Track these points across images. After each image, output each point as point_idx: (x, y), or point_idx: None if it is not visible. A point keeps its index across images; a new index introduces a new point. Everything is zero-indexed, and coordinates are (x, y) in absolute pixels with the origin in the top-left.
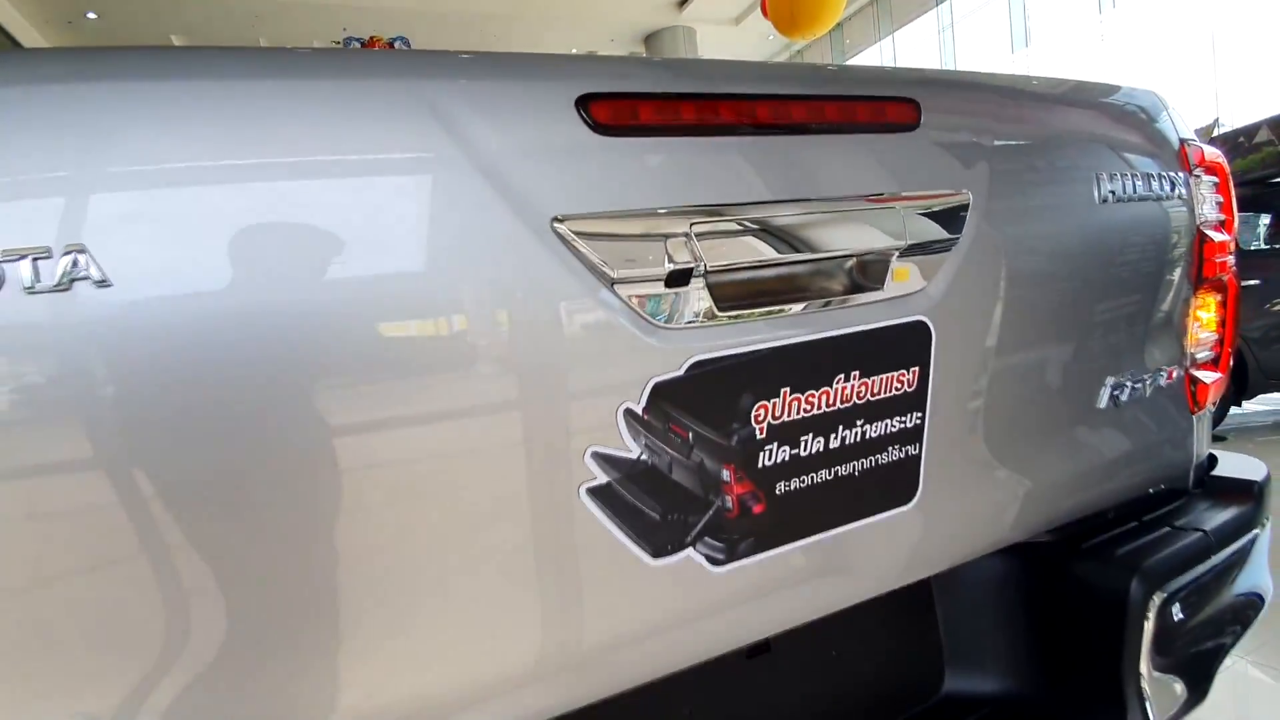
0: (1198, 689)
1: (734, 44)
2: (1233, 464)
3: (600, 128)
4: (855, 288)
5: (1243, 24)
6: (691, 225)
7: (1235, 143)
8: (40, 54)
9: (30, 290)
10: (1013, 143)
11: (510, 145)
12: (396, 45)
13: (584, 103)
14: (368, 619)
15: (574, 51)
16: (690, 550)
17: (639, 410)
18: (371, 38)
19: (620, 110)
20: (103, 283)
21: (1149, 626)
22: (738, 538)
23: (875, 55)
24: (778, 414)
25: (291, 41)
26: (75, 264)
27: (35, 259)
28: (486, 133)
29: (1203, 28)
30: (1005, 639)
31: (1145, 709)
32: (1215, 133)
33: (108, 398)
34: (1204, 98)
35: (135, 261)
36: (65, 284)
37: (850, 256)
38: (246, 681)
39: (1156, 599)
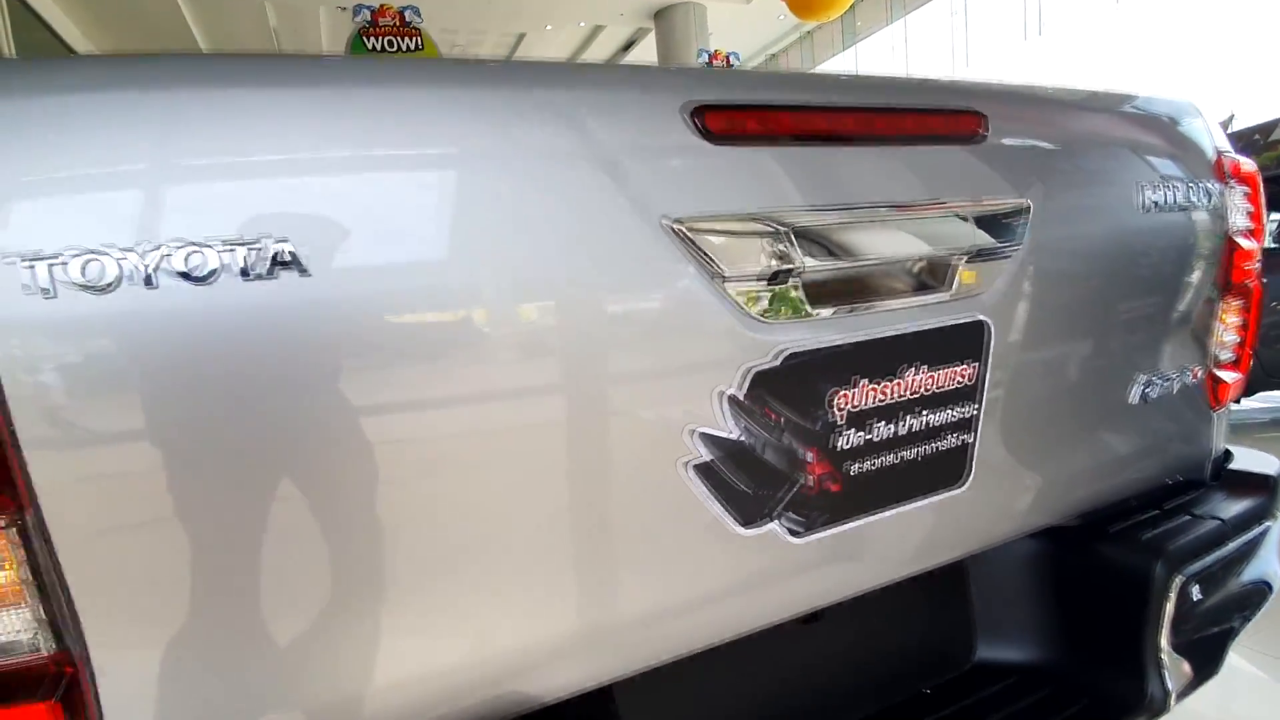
0: (1210, 665)
1: (744, 22)
2: (1247, 459)
3: (711, 136)
4: (925, 288)
5: (1258, 14)
6: (792, 228)
7: (1250, 139)
8: (255, 59)
9: (245, 274)
10: (1066, 152)
11: (630, 150)
12: (406, 14)
13: (697, 113)
14: (525, 567)
15: (581, 25)
16: (775, 522)
17: (738, 395)
18: (381, 5)
19: (728, 120)
20: (304, 271)
21: (1169, 605)
22: (815, 512)
23: (886, 38)
24: (854, 402)
25: (299, 9)
26: (280, 255)
27: (249, 249)
28: (611, 138)
29: (1217, 18)
30: (1033, 613)
31: (1163, 680)
32: (1230, 128)
33: (308, 374)
34: (1218, 88)
35: (331, 253)
36: (274, 273)
37: (923, 259)
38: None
39: (1177, 580)
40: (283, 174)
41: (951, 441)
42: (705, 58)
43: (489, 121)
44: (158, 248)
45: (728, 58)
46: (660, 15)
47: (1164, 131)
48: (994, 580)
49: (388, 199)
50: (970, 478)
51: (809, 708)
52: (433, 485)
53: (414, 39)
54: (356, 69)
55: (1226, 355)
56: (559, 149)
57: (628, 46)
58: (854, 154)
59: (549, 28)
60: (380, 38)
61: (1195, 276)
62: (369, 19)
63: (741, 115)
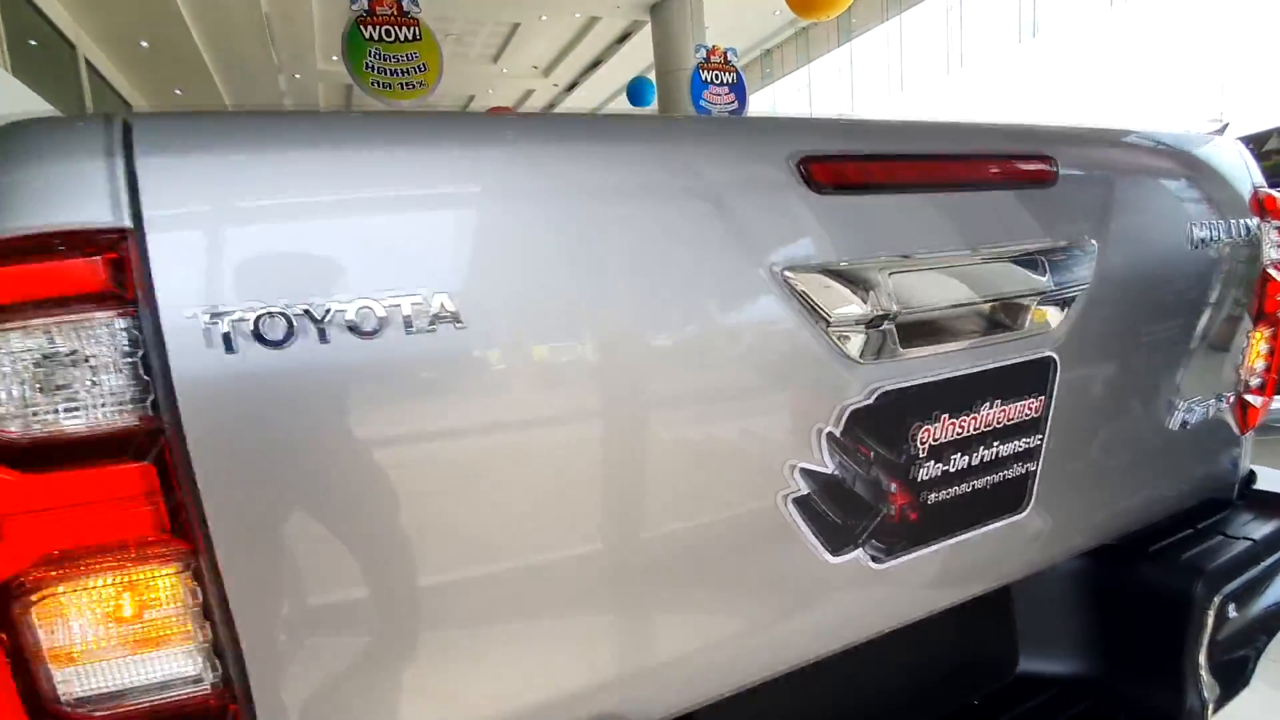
0: (1241, 677)
1: (740, 16)
2: (1270, 479)
3: (816, 185)
4: (1001, 327)
5: (1251, 19)
6: (888, 274)
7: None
8: (411, 119)
9: (407, 328)
10: (1125, 192)
11: (744, 200)
12: (404, 3)
13: (803, 164)
14: (635, 594)
15: (576, 16)
16: (860, 550)
17: (835, 432)
18: None
19: (831, 171)
20: (459, 323)
21: (1208, 622)
22: (894, 539)
23: (881, 35)
24: (934, 436)
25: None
26: (440, 308)
27: (403, 298)
28: (726, 189)
29: (1211, 22)
30: (1074, 628)
31: (1201, 693)
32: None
33: (463, 416)
34: (1210, 92)
35: (483, 305)
36: (435, 326)
37: (1001, 301)
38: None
39: (1216, 599)
40: (443, 230)
41: (1016, 470)
42: (703, 53)
43: (621, 175)
44: (330, 304)
45: (725, 54)
46: (656, 9)
47: (1210, 169)
48: (1036, 595)
49: (532, 252)
50: (1030, 504)
51: (843, 713)
52: (572, 514)
53: (412, 28)
54: (501, 127)
55: (1255, 381)
56: (681, 200)
57: (623, 39)
58: (941, 200)
59: (544, 18)
60: (378, 27)
61: (1233, 308)
62: (366, 8)
63: (842, 166)
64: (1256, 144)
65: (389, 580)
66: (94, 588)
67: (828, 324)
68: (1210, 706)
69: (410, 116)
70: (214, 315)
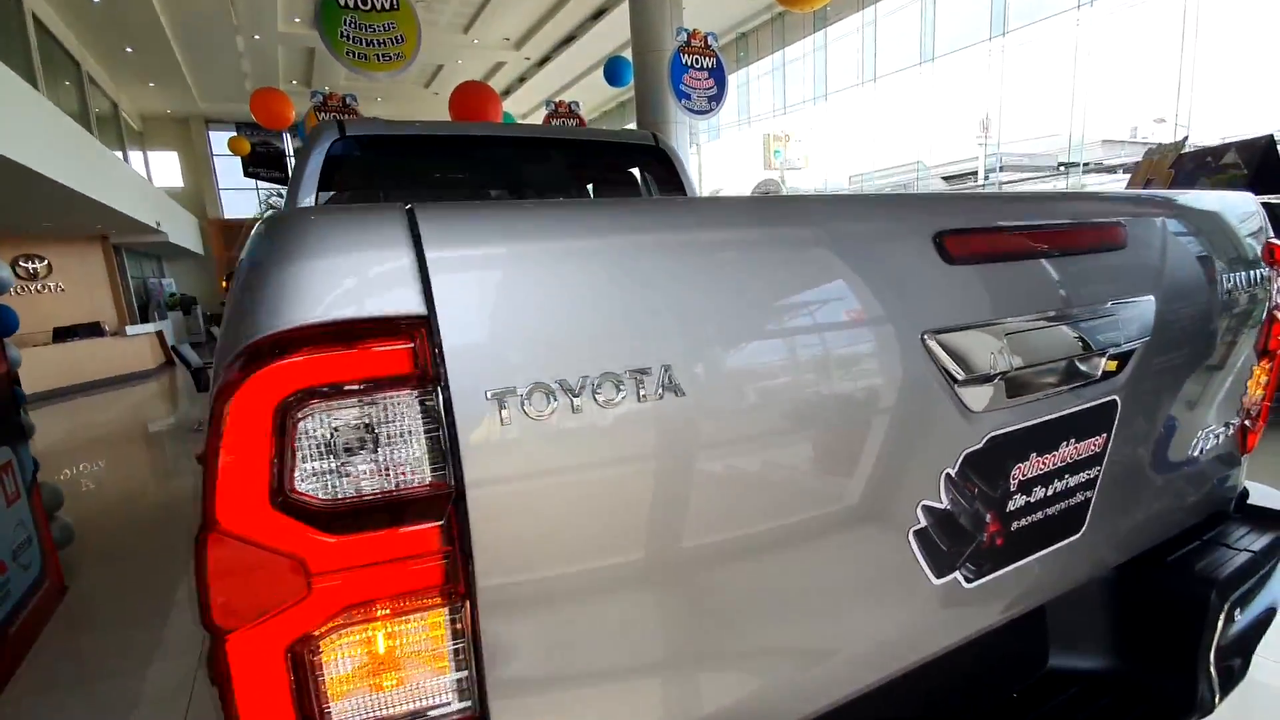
0: (1242, 670)
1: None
2: (1261, 495)
3: (950, 257)
4: (1081, 376)
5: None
6: (1005, 335)
7: (1203, 160)
8: (637, 209)
9: (639, 396)
10: (1175, 249)
11: (895, 272)
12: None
13: (939, 238)
14: (786, 614)
15: None
16: (957, 572)
17: (953, 473)
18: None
19: (961, 243)
20: (679, 392)
21: (1219, 624)
22: (984, 561)
23: (857, 21)
24: (1025, 473)
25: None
26: (665, 380)
27: (639, 375)
28: (882, 263)
29: (1175, 34)
30: (1099, 628)
31: (1211, 685)
32: (1184, 149)
33: (681, 465)
34: (1170, 99)
35: (698, 376)
36: (662, 395)
37: (1085, 354)
38: None
39: (1225, 605)
40: (669, 311)
41: (1079, 499)
42: (684, 36)
43: (802, 256)
44: (582, 379)
45: (706, 38)
46: None
47: (1237, 225)
48: (1065, 598)
49: (732, 327)
50: (1085, 526)
51: (910, 708)
52: (763, 543)
53: None
54: (716, 214)
55: (1255, 409)
56: (846, 274)
57: (598, 15)
58: (1043, 265)
59: None
60: None
61: (1246, 346)
62: None
63: (970, 239)
64: (1215, 156)
65: (611, 624)
66: (374, 632)
67: (956, 381)
68: (1217, 696)
69: (642, 207)
70: (492, 392)
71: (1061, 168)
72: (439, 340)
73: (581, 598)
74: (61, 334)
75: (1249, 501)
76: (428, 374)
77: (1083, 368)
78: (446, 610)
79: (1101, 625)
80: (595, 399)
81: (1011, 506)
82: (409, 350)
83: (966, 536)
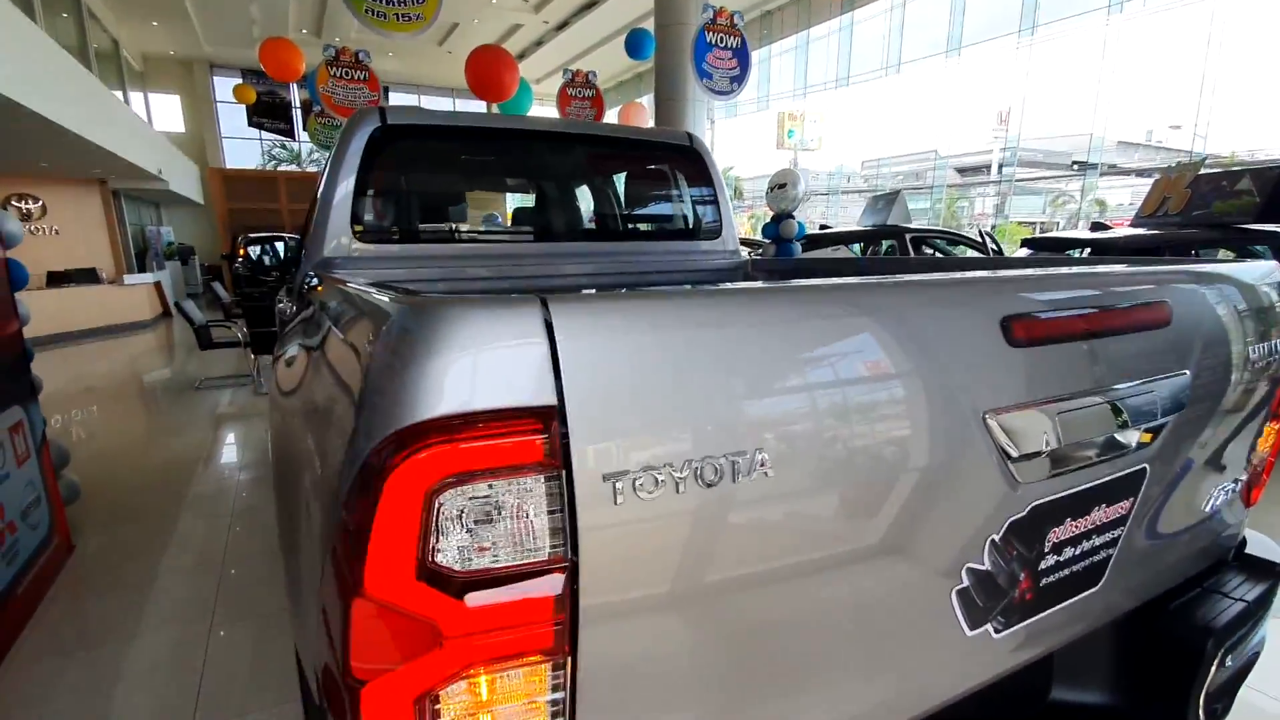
0: (1226, 711)
1: None
2: (1258, 544)
3: (1014, 340)
4: (1119, 449)
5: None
6: (1058, 414)
7: (1218, 184)
8: (734, 299)
9: (734, 477)
10: (1210, 324)
11: (965, 355)
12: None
13: (1006, 322)
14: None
15: None
16: (989, 624)
17: (997, 539)
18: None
19: (1026, 328)
20: (767, 473)
21: (1213, 671)
22: (1014, 614)
23: (886, 4)
24: (1059, 535)
25: None
26: (759, 462)
27: (736, 458)
28: (952, 347)
29: (1199, 41)
30: (1101, 666)
31: None
32: (1202, 170)
33: (767, 538)
34: (1189, 106)
35: (785, 456)
36: (752, 475)
37: (1126, 428)
38: None
39: (1220, 652)
40: (762, 396)
41: (1102, 555)
42: (710, 13)
43: (877, 339)
44: (686, 463)
45: (732, 16)
46: None
47: (1267, 295)
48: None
49: (811, 409)
50: (1104, 579)
51: None
52: (821, 608)
53: None
54: (791, 298)
55: (1261, 465)
56: (916, 357)
57: None
58: (1097, 346)
59: None
60: None
61: (1259, 408)
62: None
63: (1034, 323)
64: (1229, 180)
65: (695, 673)
66: (488, 685)
67: (1009, 458)
68: None
69: (741, 297)
70: (608, 474)
71: (1075, 166)
72: (567, 428)
73: (665, 653)
74: (56, 279)
75: (1246, 550)
76: (555, 459)
77: (1122, 440)
78: (550, 667)
79: (1104, 663)
80: (697, 480)
81: (1043, 565)
82: (541, 440)
83: (1001, 593)
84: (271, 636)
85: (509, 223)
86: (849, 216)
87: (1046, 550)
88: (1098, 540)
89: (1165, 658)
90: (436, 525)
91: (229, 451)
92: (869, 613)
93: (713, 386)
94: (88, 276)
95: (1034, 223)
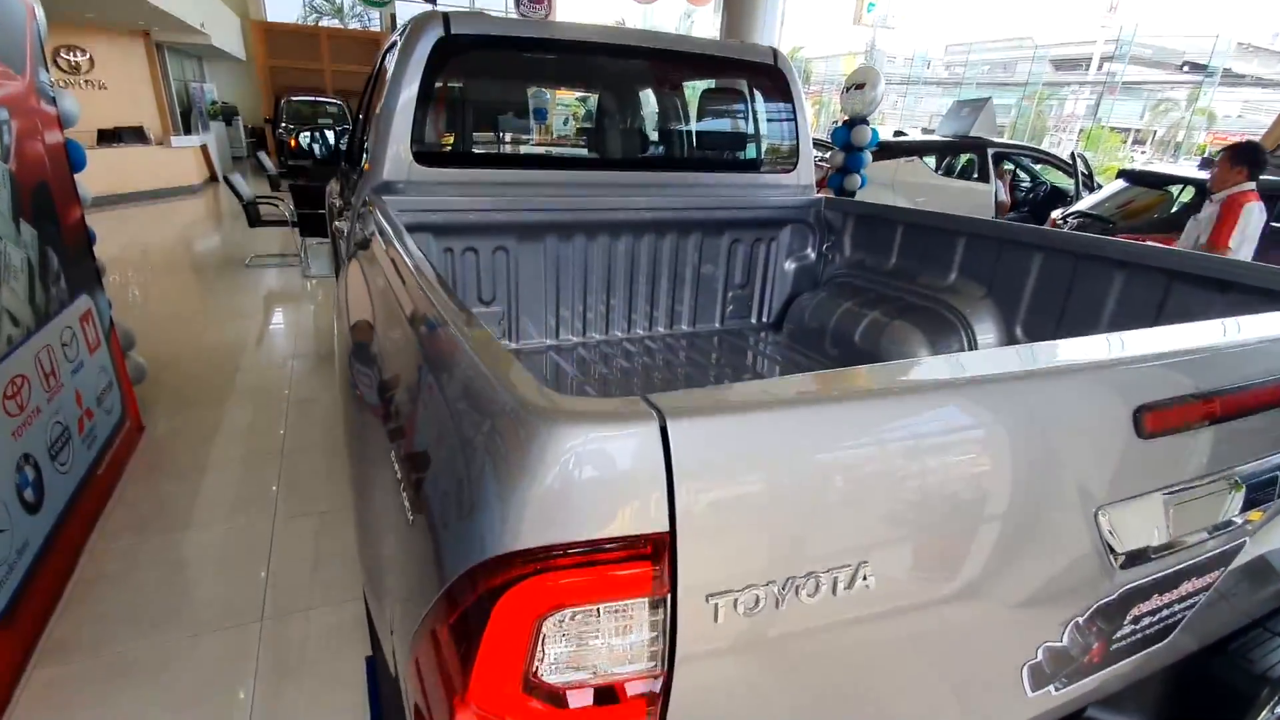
0: None
1: None
2: None
3: (1143, 432)
4: (1227, 529)
5: None
6: (1175, 504)
7: None
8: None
9: (834, 591)
10: None
11: (1084, 450)
12: None
13: (1139, 413)
14: None
15: None
16: (1051, 685)
17: (1080, 620)
18: None
19: (1161, 418)
20: (868, 586)
21: (1262, 715)
22: (1078, 674)
23: None
24: (1142, 609)
25: None
26: (860, 576)
27: (839, 572)
28: (1071, 438)
29: None
30: (1146, 695)
31: None
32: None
33: (866, 646)
34: None
35: (888, 568)
36: (853, 586)
37: (1239, 511)
38: None
39: (1274, 700)
40: (868, 510)
41: (1178, 618)
42: None
43: (984, 437)
44: (789, 580)
45: None
46: None
47: None
48: None
49: (913, 517)
50: (1173, 635)
51: None
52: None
53: None
54: (901, 406)
55: None
56: (1034, 457)
57: None
58: (1229, 428)
59: None
60: None
61: None
62: None
63: (1170, 413)
64: None
65: None
66: None
67: (1114, 553)
68: None
69: (852, 412)
70: (711, 594)
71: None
72: (676, 554)
73: None
74: (105, 137)
75: None
76: (663, 584)
77: (1230, 520)
78: None
79: (1151, 700)
80: (798, 595)
81: (1118, 634)
82: (652, 570)
83: (1071, 661)
84: (332, 534)
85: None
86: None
87: (1125, 622)
88: (1178, 607)
89: (1216, 697)
90: (542, 646)
91: (282, 337)
92: (936, 687)
93: (824, 501)
94: (136, 136)
95: (1129, 129)
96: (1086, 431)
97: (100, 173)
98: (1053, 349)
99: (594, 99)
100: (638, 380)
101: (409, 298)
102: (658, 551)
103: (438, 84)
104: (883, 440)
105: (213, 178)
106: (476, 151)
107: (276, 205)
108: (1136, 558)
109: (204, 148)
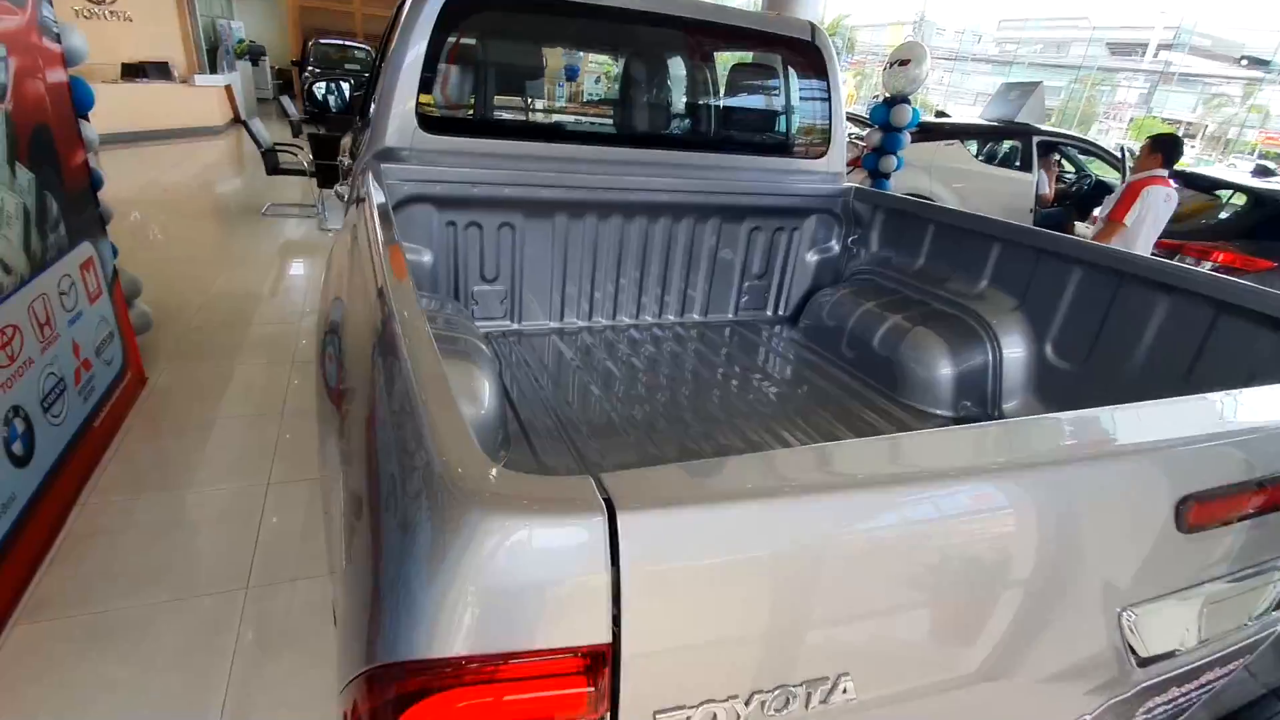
0: None
1: None
2: None
3: (1185, 526)
4: (1259, 619)
5: None
6: (1209, 603)
7: None
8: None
9: (807, 705)
10: None
11: (1112, 546)
12: None
13: (1183, 504)
14: None
15: None
16: None
17: (1090, 718)
18: None
19: (1207, 511)
20: (849, 699)
21: None
22: None
23: None
24: (1155, 701)
25: None
26: (840, 690)
27: (814, 686)
28: (1103, 527)
29: None
30: None
31: None
32: None
33: None
34: None
35: (871, 677)
36: (830, 700)
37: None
38: None
39: None
40: (859, 610)
41: (1191, 704)
42: None
43: (1018, 538)
44: (754, 694)
45: None
46: None
47: None
48: None
49: (908, 621)
50: (1186, 714)
51: None
52: None
53: None
54: (896, 504)
55: None
56: (1058, 551)
57: None
58: (1271, 519)
59: None
60: None
61: None
62: None
63: (1217, 505)
64: None
65: None
66: None
67: (1136, 655)
68: None
69: (837, 504)
70: (660, 712)
71: (1245, 62)
72: (619, 667)
73: None
74: (130, 71)
75: None
76: (601, 702)
77: (1276, 615)
78: None
79: None
80: (764, 712)
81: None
82: (587, 686)
83: None
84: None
85: (592, 118)
86: (966, 90)
87: (1138, 714)
88: (1195, 694)
89: None
90: None
91: (294, 292)
92: None
93: (801, 604)
94: (160, 71)
95: (1179, 121)
96: (1116, 525)
97: (121, 109)
98: (1081, 424)
99: (615, 69)
100: (642, 377)
101: (367, 300)
102: (597, 665)
103: (448, 43)
104: (875, 534)
105: (236, 120)
106: (486, 120)
107: (295, 154)
108: (1159, 658)
109: (229, 88)
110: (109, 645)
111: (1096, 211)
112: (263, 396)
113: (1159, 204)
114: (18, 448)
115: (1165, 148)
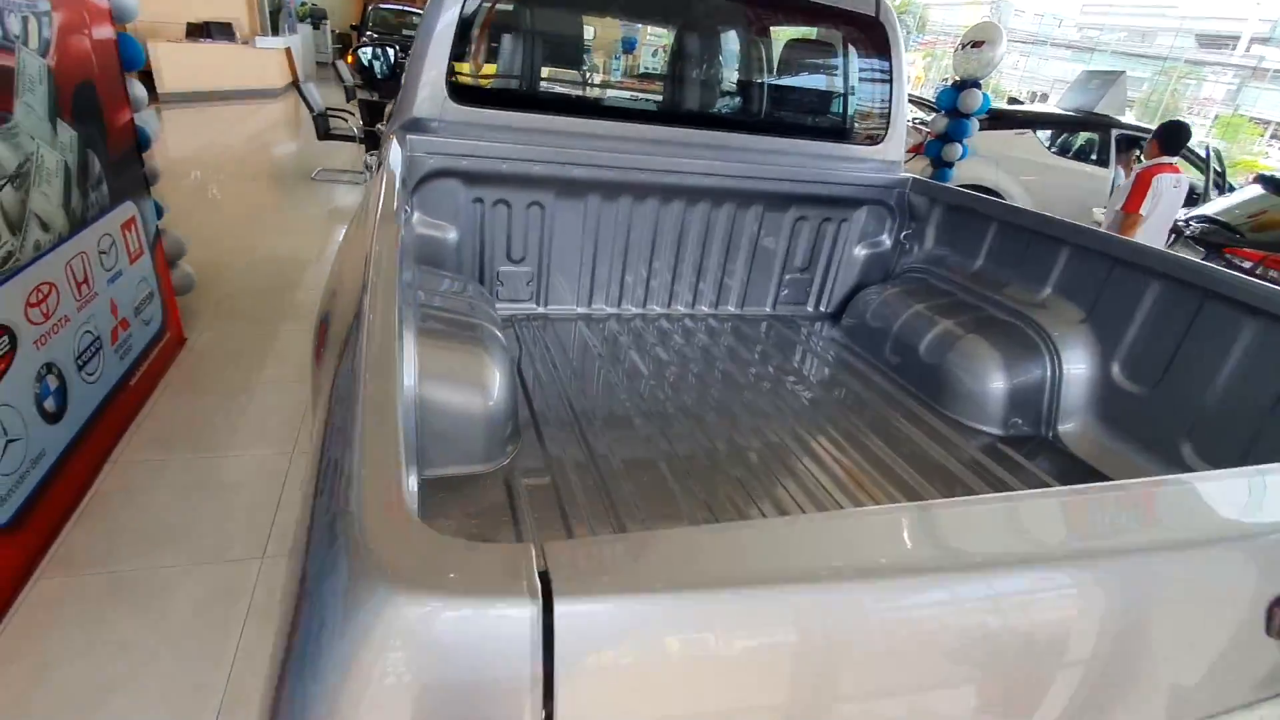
0: None
1: None
2: None
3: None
4: None
5: None
6: None
7: None
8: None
9: None
10: None
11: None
12: None
13: (1276, 605)
14: None
15: None
16: None
17: None
18: None
19: None
20: None
21: None
22: None
23: None
24: None
25: None
26: None
27: None
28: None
29: None
30: None
31: None
32: None
33: None
34: None
35: None
36: None
37: None
38: None
39: None
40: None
41: None
42: None
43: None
44: None
45: None
46: None
47: None
48: None
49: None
50: None
51: None
52: None
53: None
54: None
55: None
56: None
57: None
58: None
59: None
60: None
61: None
62: None
63: None
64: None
65: None
66: None
67: None
68: None
69: (829, 593)
70: None
71: None
72: None
73: None
74: (194, 31)
75: None
76: None
77: None
78: None
79: None
80: None
81: None
82: None
83: None
84: None
85: (634, 93)
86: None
87: None
88: None
89: None
90: None
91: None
92: None
93: (772, 709)
94: (224, 31)
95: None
96: (1189, 626)
97: (182, 69)
98: (1150, 496)
99: (662, 46)
100: (667, 371)
101: (354, 276)
102: None
103: (484, 8)
104: (882, 632)
105: (295, 82)
106: (522, 92)
107: (345, 119)
108: None
109: (288, 51)
110: (126, 606)
111: (1098, 208)
112: (298, 362)
113: (1169, 191)
114: (50, 404)
115: (1163, 135)
